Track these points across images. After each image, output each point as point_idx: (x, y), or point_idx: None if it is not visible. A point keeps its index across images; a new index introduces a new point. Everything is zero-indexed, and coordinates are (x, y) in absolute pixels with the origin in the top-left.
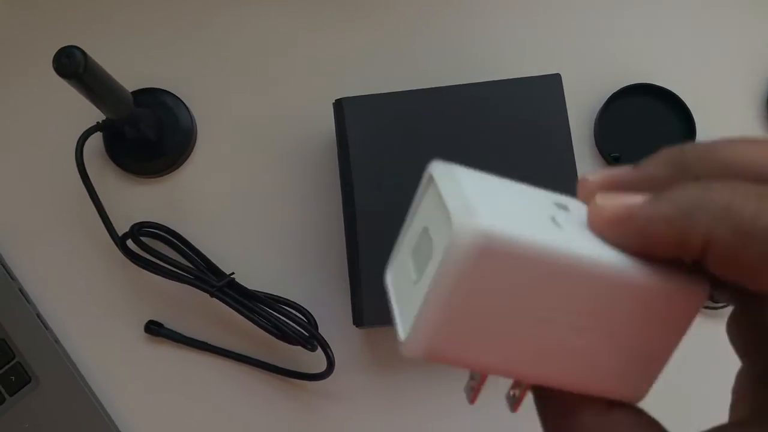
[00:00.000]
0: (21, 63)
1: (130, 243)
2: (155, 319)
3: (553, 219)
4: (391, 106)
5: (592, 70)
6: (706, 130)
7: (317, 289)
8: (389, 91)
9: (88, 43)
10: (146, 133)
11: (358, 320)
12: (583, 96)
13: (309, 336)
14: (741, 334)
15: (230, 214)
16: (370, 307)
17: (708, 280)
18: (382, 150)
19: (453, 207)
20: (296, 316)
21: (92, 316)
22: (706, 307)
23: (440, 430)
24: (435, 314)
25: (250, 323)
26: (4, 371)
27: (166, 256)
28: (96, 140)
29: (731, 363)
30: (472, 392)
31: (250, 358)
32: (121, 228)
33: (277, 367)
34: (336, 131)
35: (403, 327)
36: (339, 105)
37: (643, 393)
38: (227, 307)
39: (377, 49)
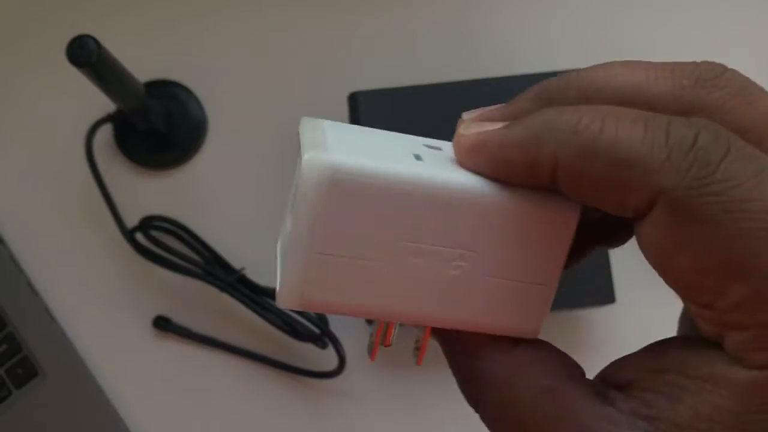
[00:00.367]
0: (33, 51)
1: (139, 236)
2: (163, 314)
3: (417, 156)
4: (408, 101)
5: None
6: None
7: None
8: (405, 85)
9: (101, 32)
10: (157, 125)
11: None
12: None
13: (320, 333)
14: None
15: (241, 209)
16: None
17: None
18: None
19: (306, 149)
20: (307, 312)
21: (100, 310)
22: None
23: (452, 431)
24: (299, 258)
25: (261, 319)
26: (11, 364)
27: (176, 250)
28: (106, 132)
29: None
30: (372, 348)
31: (260, 354)
32: (131, 221)
33: (287, 364)
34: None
35: (279, 281)
36: (354, 99)
37: (538, 326)
38: (237, 302)
39: (394, 42)
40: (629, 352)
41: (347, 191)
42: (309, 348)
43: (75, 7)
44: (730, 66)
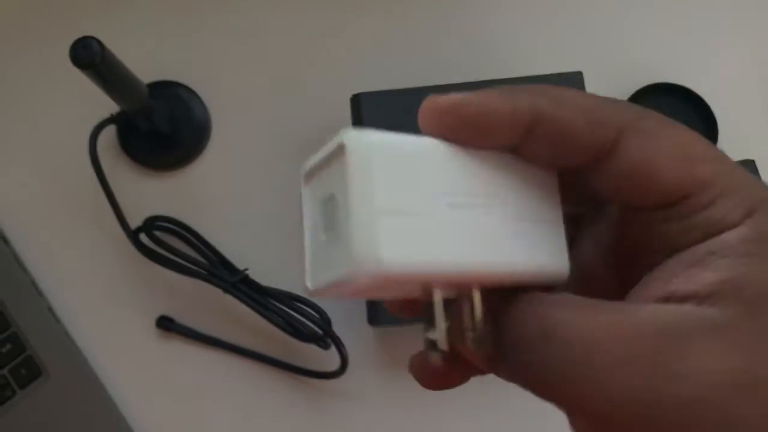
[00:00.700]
0: (37, 53)
1: (142, 237)
2: (167, 314)
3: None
4: (410, 102)
5: (614, 68)
6: (729, 132)
7: None
8: (408, 87)
9: (105, 34)
10: (161, 126)
11: (373, 319)
12: (604, 94)
13: (323, 334)
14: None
15: (244, 209)
16: (385, 306)
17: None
18: None
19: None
20: (310, 313)
21: (104, 310)
22: None
23: (451, 429)
24: (367, 222)
25: (264, 320)
26: (15, 364)
27: (179, 251)
28: (110, 133)
29: None
30: (443, 341)
31: (263, 355)
32: (134, 222)
33: (290, 364)
34: (353, 127)
35: (311, 276)
36: (356, 100)
37: (566, 264)
38: (240, 303)
39: (396, 44)
40: None
41: (386, 155)
42: (312, 348)
43: (78, 8)
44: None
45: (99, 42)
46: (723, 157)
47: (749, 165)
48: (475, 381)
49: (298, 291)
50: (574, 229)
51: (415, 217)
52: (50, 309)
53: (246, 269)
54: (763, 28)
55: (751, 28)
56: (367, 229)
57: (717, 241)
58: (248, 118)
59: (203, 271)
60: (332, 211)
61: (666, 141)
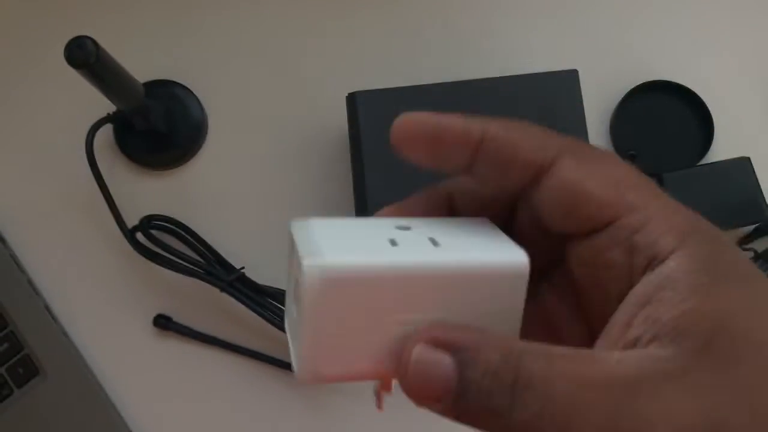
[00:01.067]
0: (32, 52)
1: (139, 236)
2: (164, 312)
3: (392, 241)
4: (406, 101)
5: (609, 66)
6: (725, 129)
7: None
8: (403, 86)
9: (100, 33)
10: (157, 125)
11: None
12: (600, 92)
13: None
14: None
15: (241, 208)
16: None
17: (527, 254)
18: None
19: (302, 251)
20: None
21: (101, 309)
22: None
23: (450, 428)
24: (310, 344)
25: (260, 318)
26: (12, 363)
27: (176, 250)
28: (106, 132)
29: None
30: (377, 399)
31: (259, 353)
32: (131, 220)
33: (287, 362)
34: (349, 126)
35: (294, 361)
36: (352, 99)
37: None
38: (237, 301)
39: (392, 43)
40: None
41: (342, 286)
42: None
43: (74, 8)
44: (724, 64)
45: (94, 41)
46: (653, 187)
47: (745, 162)
48: None
49: None
50: (536, 286)
51: (356, 337)
52: (47, 308)
53: (242, 268)
54: (760, 26)
55: (748, 26)
56: (306, 352)
57: (663, 274)
58: (245, 116)
59: (200, 270)
60: (295, 293)
61: (597, 166)
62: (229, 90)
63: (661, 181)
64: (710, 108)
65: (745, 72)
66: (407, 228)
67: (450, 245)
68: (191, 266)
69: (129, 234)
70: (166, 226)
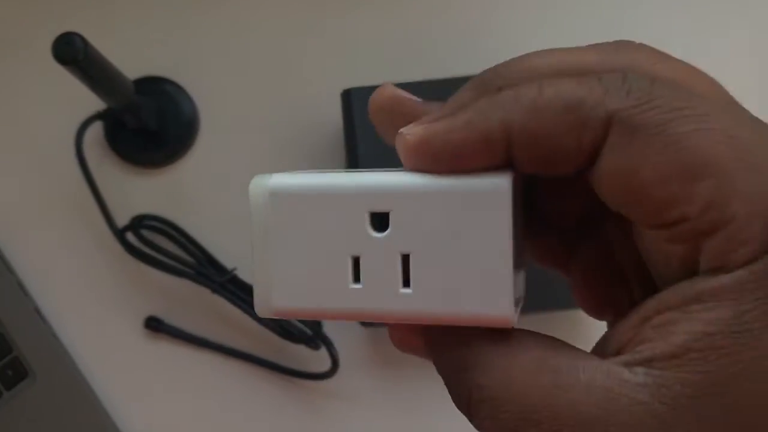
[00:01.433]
0: (19, 49)
1: (129, 236)
2: (155, 314)
3: (355, 265)
4: None
5: None
6: None
7: None
8: (399, 82)
9: (89, 28)
10: (148, 122)
11: None
12: None
13: (313, 334)
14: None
15: (233, 207)
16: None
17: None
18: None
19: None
20: None
21: (91, 310)
22: None
23: (446, 431)
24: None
25: (253, 320)
26: (1, 365)
27: (167, 250)
28: (96, 130)
29: None
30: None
31: (252, 356)
32: (121, 220)
33: (280, 365)
34: (343, 123)
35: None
36: (347, 95)
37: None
38: (229, 303)
39: (387, 38)
40: None
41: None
42: (302, 349)
43: (62, 3)
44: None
45: (82, 38)
46: (741, 162)
47: None
48: None
49: None
50: (583, 230)
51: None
52: (37, 310)
53: (234, 269)
54: (762, 26)
55: (750, 27)
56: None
57: (708, 284)
58: (237, 113)
59: (191, 271)
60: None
61: (660, 140)
62: (222, 86)
63: None
64: None
65: (746, 73)
66: (383, 225)
67: (426, 278)
68: (182, 267)
69: (119, 234)
70: (157, 226)
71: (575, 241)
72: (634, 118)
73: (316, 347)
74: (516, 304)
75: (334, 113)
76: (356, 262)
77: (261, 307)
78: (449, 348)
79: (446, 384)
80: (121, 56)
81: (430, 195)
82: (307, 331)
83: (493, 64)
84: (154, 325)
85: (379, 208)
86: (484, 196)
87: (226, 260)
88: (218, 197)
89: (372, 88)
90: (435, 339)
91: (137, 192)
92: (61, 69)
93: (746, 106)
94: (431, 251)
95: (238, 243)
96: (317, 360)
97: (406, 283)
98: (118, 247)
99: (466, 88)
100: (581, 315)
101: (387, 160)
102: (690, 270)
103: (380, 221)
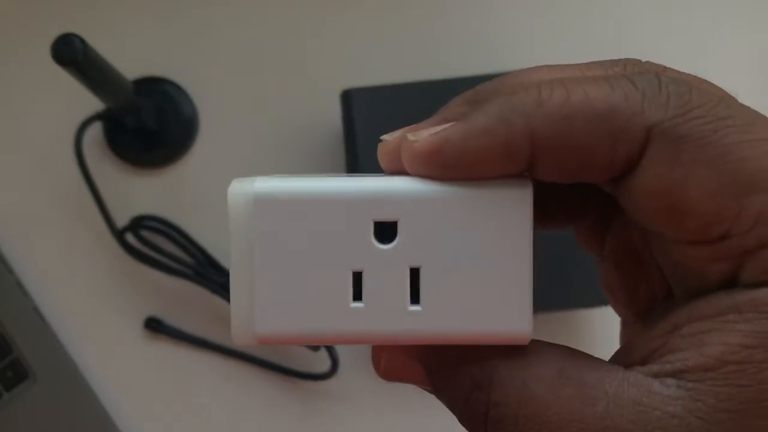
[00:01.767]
0: (18, 50)
1: (129, 237)
2: (155, 315)
3: (356, 283)
4: (402, 98)
5: None
6: None
7: None
8: (399, 82)
9: (88, 30)
10: (147, 123)
11: None
12: None
13: None
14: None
15: None
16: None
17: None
18: None
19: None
20: None
21: (91, 311)
22: None
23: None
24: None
25: None
26: (1, 367)
27: (167, 251)
28: (96, 130)
29: None
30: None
31: (252, 356)
32: (121, 221)
33: (280, 366)
34: (343, 123)
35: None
36: (347, 96)
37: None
38: (229, 303)
39: (387, 38)
40: None
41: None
42: (301, 349)
43: (61, 4)
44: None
45: (80, 38)
46: None
47: None
48: None
49: None
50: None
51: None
52: (36, 310)
53: None
54: (762, 26)
55: (749, 27)
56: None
57: (748, 296)
58: (237, 113)
59: (191, 272)
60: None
61: (705, 155)
62: (221, 86)
63: None
64: None
65: (746, 73)
66: (389, 235)
67: (436, 297)
68: (182, 268)
69: (119, 235)
70: (157, 227)
71: (608, 222)
72: (677, 129)
73: (315, 348)
74: None
75: (334, 113)
76: (357, 277)
77: (240, 335)
78: (456, 369)
79: (452, 408)
80: (120, 57)
81: (443, 203)
82: None
83: (492, 64)
84: (154, 325)
85: (386, 216)
86: (504, 205)
87: (226, 260)
88: (218, 198)
89: (372, 88)
90: (439, 361)
91: (137, 192)
92: (60, 70)
93: None
94: (443, 264)
95: None
96: (317, 360)
97: (414, 299)
98: (117, 248)
99: (457, 100)
100: (586, 315)
101: None
102: (725, 282)
103: (384, 231)
